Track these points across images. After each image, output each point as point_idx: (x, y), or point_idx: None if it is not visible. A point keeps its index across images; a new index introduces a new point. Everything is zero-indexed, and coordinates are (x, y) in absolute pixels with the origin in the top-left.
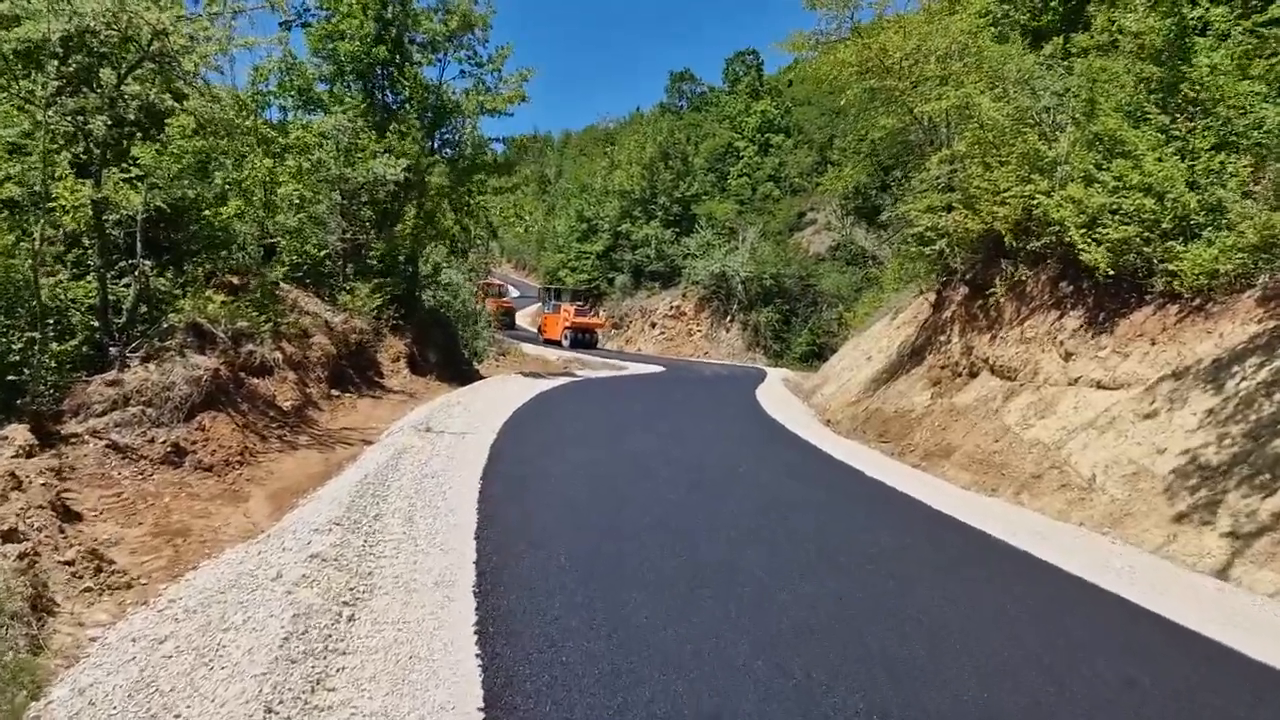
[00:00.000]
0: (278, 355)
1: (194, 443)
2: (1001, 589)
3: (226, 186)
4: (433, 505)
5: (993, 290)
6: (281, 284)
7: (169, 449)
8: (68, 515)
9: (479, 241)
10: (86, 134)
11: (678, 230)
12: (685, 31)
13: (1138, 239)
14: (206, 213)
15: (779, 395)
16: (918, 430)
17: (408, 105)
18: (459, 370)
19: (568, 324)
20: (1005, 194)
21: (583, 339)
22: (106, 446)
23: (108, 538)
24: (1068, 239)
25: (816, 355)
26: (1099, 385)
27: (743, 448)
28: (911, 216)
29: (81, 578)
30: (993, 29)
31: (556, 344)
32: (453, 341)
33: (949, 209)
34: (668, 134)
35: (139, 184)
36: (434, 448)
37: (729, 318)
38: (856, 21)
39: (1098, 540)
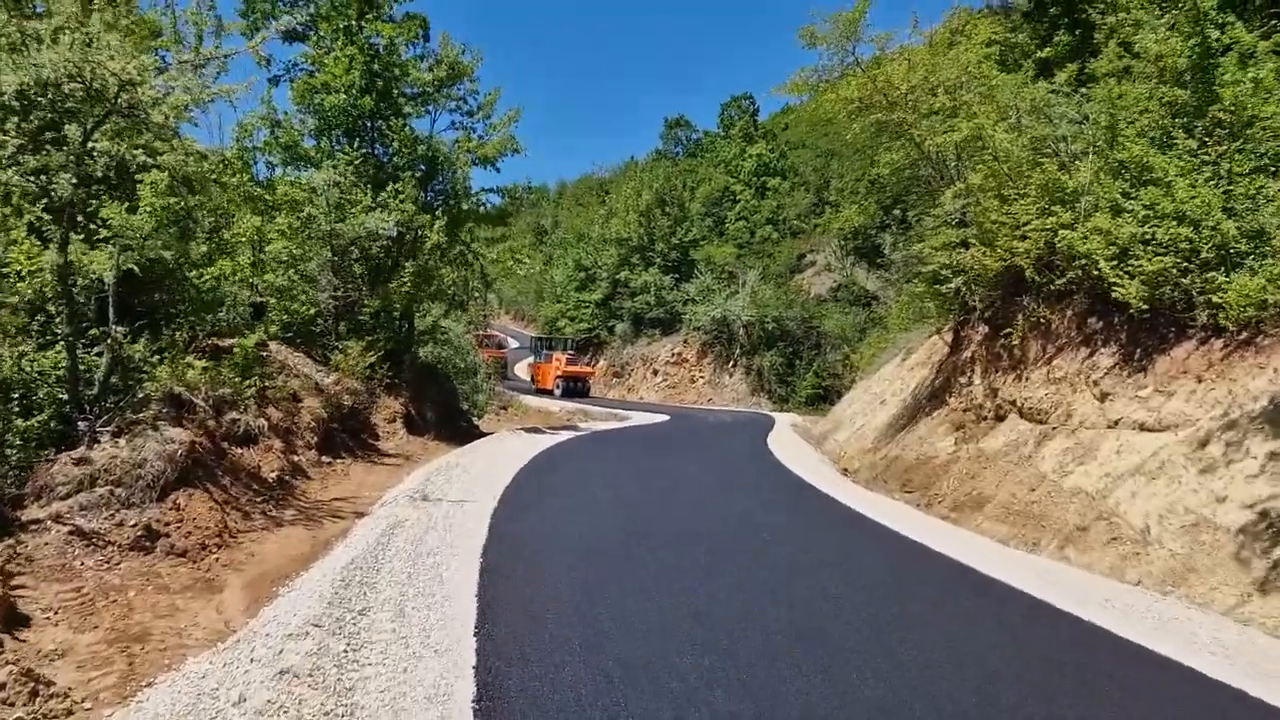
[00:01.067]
0: (262, 423)
1: (167, 524)
2: (1128, 693)
3: (211, 246)
4: (427, 593)
5: (1013, 329)
6: (270, 344)
7: (139, 533)
8: (13, 620)
9: (476, 295)
10: (50, 194)
11: (677, 276)
12: (679, 79)
13: (1174, 270)
14: (191, 274)
15: (791, 443)
16: (944, 479)
17: (397, 158)
18: (458, 428)
19: (559, 373)
20: (1025, 227)
21: (575, 387)
22: (70, 533)
23: (55, 647)
24: (1096, 272)
25: (822, 398)
26: (1142, 427)
27: (765, 511)
28: (925, 254)
29: (12, 705)
30: (998, 60)
31: (549, 393)
32: (451, 397)
33: (964, 245)
34: (664, 180)
35: (109, 246)
36: (430, 519)
37: (731, 363)
38: (858, 56)
39: (1169, 607)
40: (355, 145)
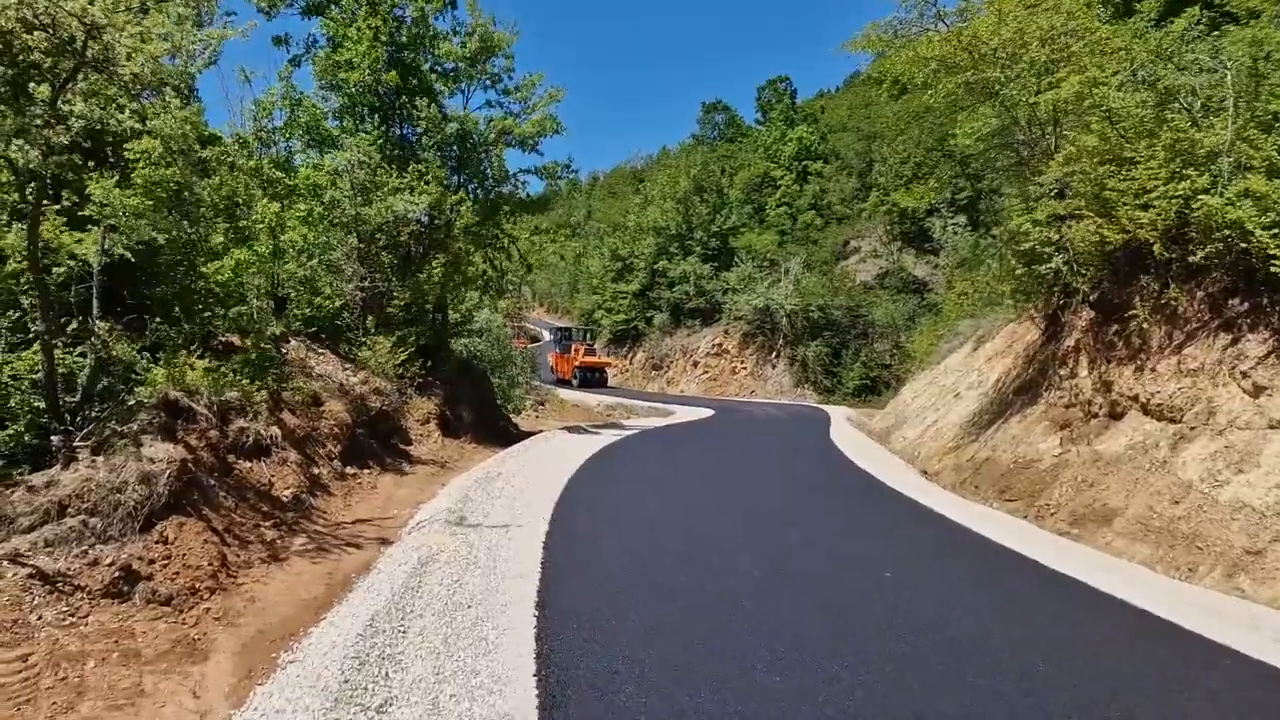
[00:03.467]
0: (276, 431)
1: (151, 563)
2: None
3: (228, 234)
4: (469, 669)
5: (1134, 312)
6: (291, 341)
7: (116, 574)
8: None
9: (512, 284)
10: (13, 166)
11: (716, 265)
12: (713, 65)
13: None
14: (202, 264)
15: (857, 441)
16: (1054, 486)
17: (425, 138)
18: (496, 428)
19: (577, 363)
20: (1149, 195)
21: (592, 378)
22: (30, 576)
23: None
24: (1245, 245)
25: (870, 389)
26: None
27: (865, 539)
28: (1020, 230)
29: None
30: (1102, 7)
31: (568, 383)
32: (488, 394)
33: (1069, 219)
34: (702, 166)
35: (95, 228)
36: (470, 552)
37: (774, 353)
38: (940, 9)
39: None
40: (380, 125)
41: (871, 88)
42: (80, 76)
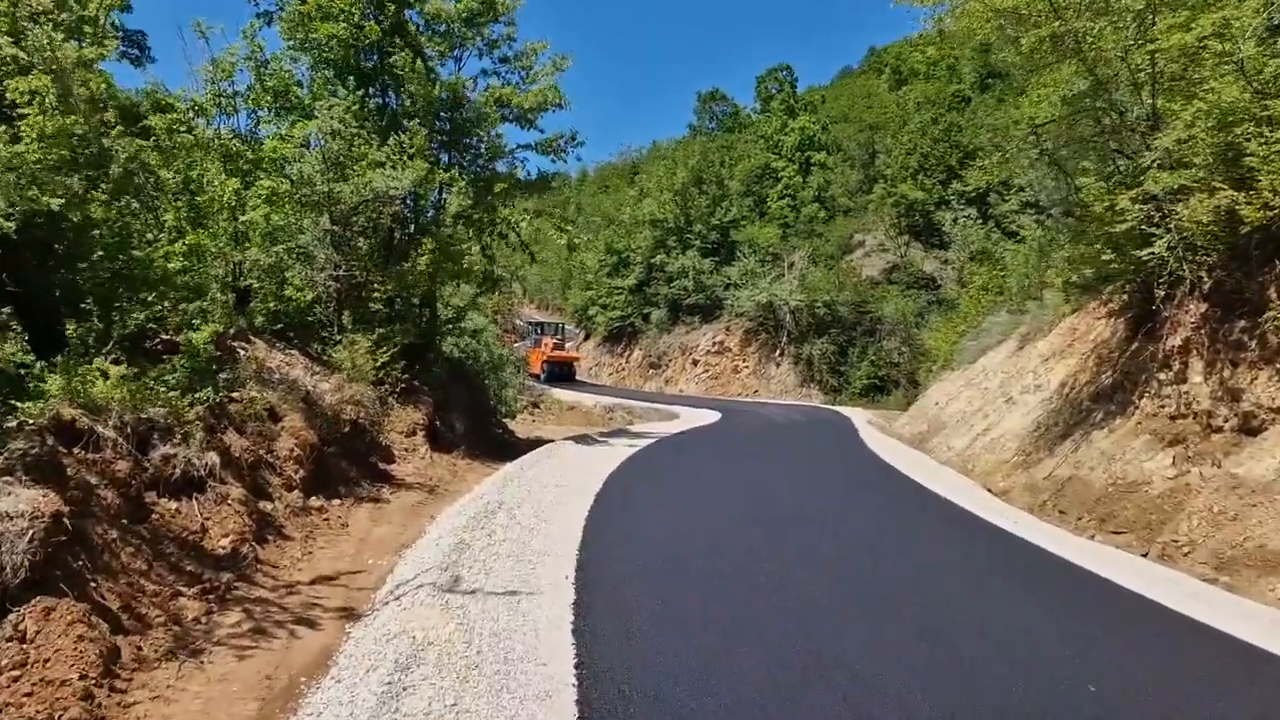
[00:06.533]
0: (213, 459)
1: None
2: None
3: (179, 214)
4: None
5: (1273, 307)
6: (256, 341)
7: None
8: None
9: (506, 278)
10: None
11: (717, 259)
12: (705, 56)
13: None
14: (140, 250)
15: (897, 450)
16: (1179, 518)
17: (410, 101)
18: (491, 438)
19: (544, 357)
20: None
21: (559, 371)
22: None
23: None
24: None
25: (879, 390)
26: None
27: (956, 565)
28: (1118, 209)
29: None
30: None
31: (537, 378)
32: (482, 400)
33: (1173, 195)
34: (701, 156)
35: None
36: (469, 644)
37: (778, 351)
38: None
39: None
40: (358, 89)
41: (870, 78)
42: None
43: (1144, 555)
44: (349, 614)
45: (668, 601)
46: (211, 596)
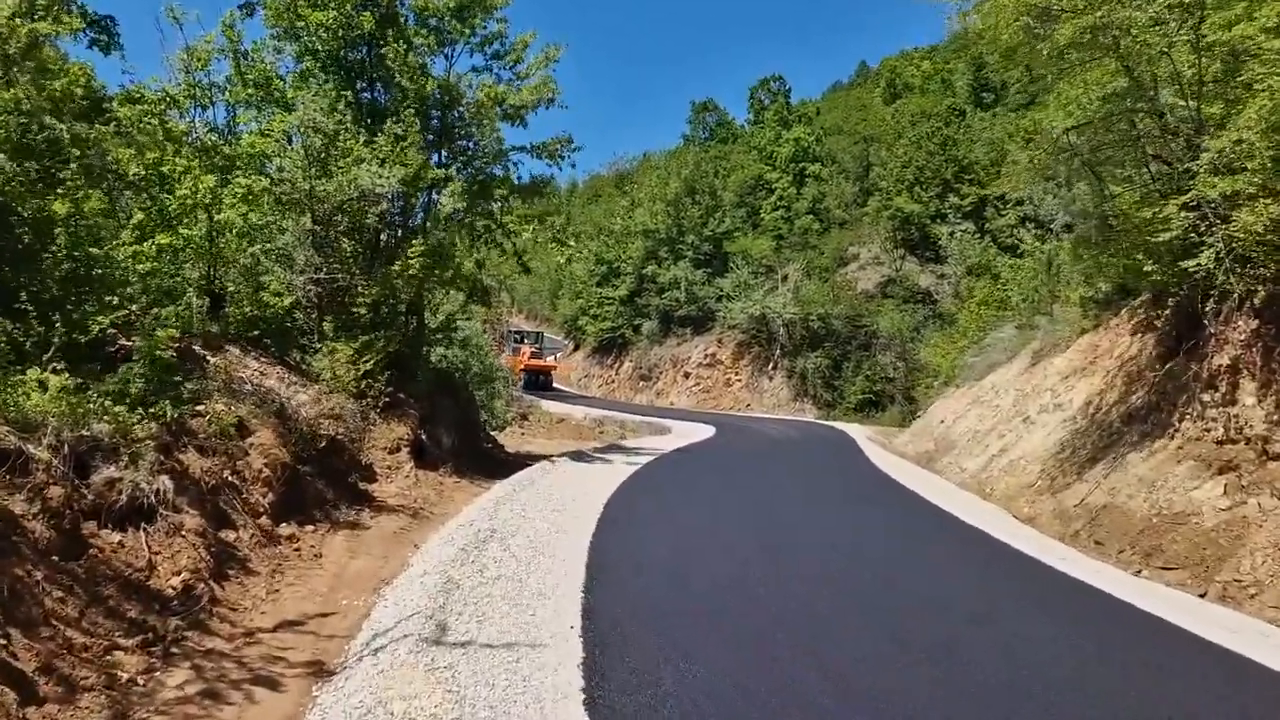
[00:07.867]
0: (165, 483)
1: None
2: None
3: (147, 213)
4: None
5: None
6: (230, 349)
7: None
8: None
9: (505, 282)
10: None
11: (709, 271)
12: (697, 66)
13: None
14: (97, 247)
15: (905, 469)
16: (1239, 554)
17: (399, 94)
18: (481, 453)
19: (522, 366)
20: None
21: (537, 380)
22: None
23: None
24: None
25: (874, 405)
26: None
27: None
28: (1161, 218)
29: None
30: None
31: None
32: (470, 413)
33: (1227, 200)
34: (694, 166)
35: None
36: (461, 718)
37: (771, 365)
38: None
39: None
40: (344, 82)
41: (866, 91)
42: None
43: (1201, 595)
44: (318, 670)
45: (692, 659)
46: (155, 649)
